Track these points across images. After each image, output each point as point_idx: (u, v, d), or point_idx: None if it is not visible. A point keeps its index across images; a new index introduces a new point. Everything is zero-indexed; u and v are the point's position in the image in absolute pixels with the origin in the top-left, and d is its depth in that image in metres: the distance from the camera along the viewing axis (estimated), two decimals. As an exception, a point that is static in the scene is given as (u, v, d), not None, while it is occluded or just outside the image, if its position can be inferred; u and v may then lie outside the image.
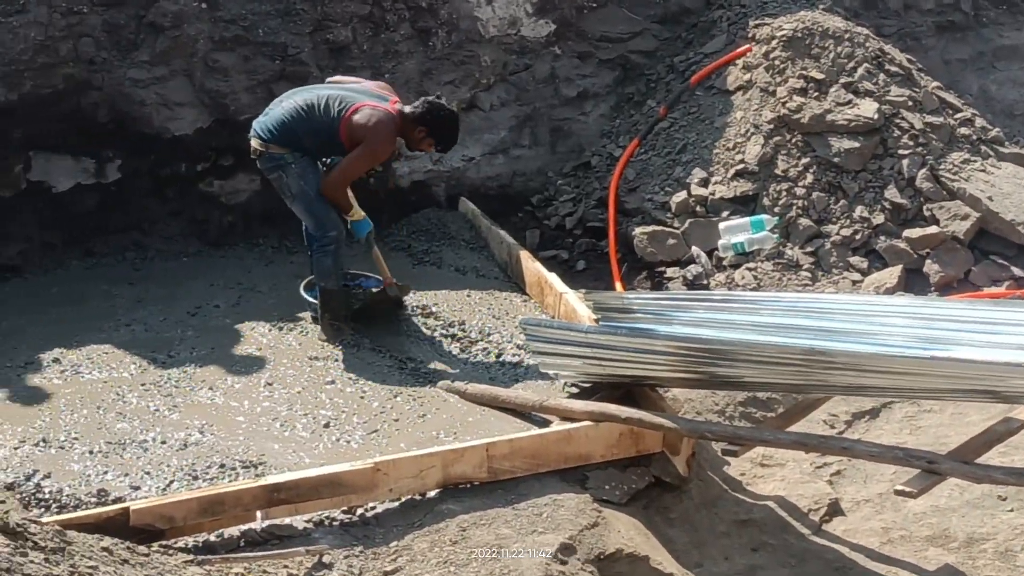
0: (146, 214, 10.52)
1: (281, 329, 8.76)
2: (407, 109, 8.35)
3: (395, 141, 8.48)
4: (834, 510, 7.20)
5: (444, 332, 8.69)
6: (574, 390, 7.69)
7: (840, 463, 7.49)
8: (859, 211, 9.45)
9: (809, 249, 9.36)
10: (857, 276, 9.15)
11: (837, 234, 9.38)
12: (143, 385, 7.92)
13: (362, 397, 7.74)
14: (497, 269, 9.85)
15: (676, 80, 10.97)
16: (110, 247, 10.37)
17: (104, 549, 5.38)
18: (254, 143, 8.48)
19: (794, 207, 9.52)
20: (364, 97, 8.38)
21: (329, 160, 8.65)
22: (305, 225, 8.79)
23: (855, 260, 9.26)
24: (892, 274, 9.03)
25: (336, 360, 8.22)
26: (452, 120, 8.45)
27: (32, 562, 4.63)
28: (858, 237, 9.36)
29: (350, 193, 8.56)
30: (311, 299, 8.76)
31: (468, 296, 9.22)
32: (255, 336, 8.66)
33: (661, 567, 6.52)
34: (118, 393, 7.81)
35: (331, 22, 10.65)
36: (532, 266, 9.27)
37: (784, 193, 9.58)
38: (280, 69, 10.44)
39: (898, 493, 6.20)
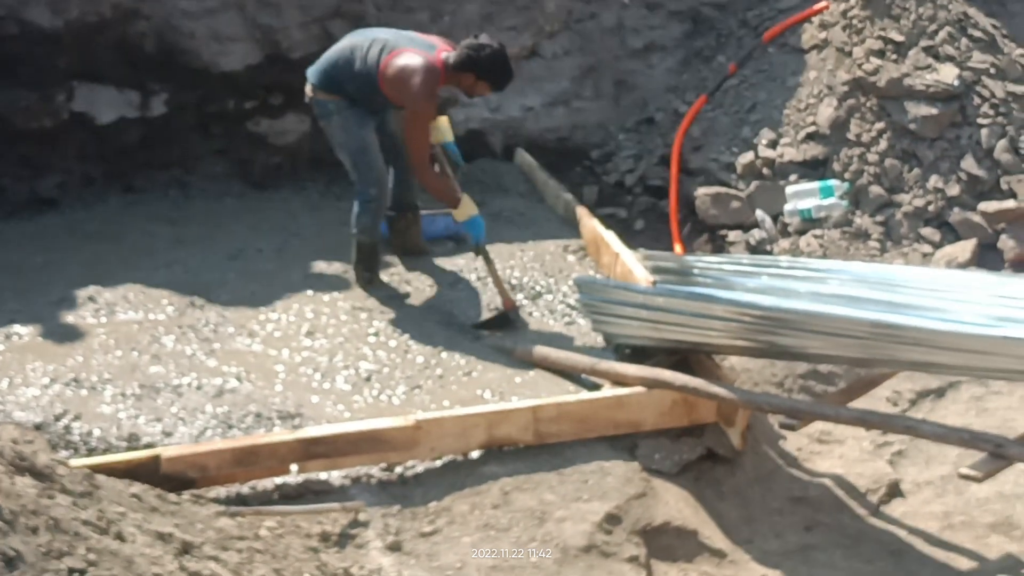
0: (190, 151, 10.51)
1: (325, 277, 8.64)
2: (450, 59, 8.05)
3: (435, 94, 8.14)
4: (893, 491, 7.02)
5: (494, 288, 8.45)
6: (627, 352, 7.49)
7: (902, 443, 7.31)
8: (933, 181, 9.18)
9: (879, 218, 9.11)
10: (928, 248, 8.92)
11: (909, 204, 9.12)
12: (180, 328, 7.83)
13: (406, 351, 7.59)
14: (552, 224, 9.62)
15: (748, 36, 10.75)
16: (151, 184, 10.40)
17: (133, 495, 5.36)
18: (307, 88, 8.42)
19: (865, 174, 9.27)
20: (407, 43, 8.14)
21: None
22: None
23: (927, 232, 9.02)
24: (965, 248, 8.78)
25: (381, 312, 8.08)
26: (497, 57, 8.04)
27: (59, 505, 4.57)
28: (931, 208, 9.11)
29: (456, 187, 8.34)
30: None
31: (520, 252, 9.04)
32: (297, 283, 8.52)
33: (710, 541, 6.43)
34: (153, 335, 7.72)
35: (390, -42, 10.49)
36: (589, 223, 9.11)
37: (856, 159, 9.32)
38: (335, 6, 10.33)
39: (962, 476, 6.15)
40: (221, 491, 6.08)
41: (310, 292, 8.36)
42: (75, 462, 5.56)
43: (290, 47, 10.27)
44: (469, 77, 8.04)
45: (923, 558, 6.50)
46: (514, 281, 8.52)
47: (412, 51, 8.01)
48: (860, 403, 6.91)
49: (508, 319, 8.05)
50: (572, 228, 9.36)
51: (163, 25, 10.04)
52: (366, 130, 8.32)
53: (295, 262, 8.86)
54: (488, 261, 8.18)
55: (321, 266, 8.76)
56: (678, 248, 9.35)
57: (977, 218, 9.01)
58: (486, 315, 8.07)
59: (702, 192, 9.60)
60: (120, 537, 4.61)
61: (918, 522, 6.76)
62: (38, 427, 6.49)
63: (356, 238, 8.42)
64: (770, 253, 9.06)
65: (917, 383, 7.71)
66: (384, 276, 8.52)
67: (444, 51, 8.12)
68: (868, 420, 6.48)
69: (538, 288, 8.49)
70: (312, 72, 8.37)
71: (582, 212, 9.32)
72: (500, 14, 10.31)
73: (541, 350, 7.50)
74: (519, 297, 8.28)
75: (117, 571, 4.27)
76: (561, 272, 8.69)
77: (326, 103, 8.29)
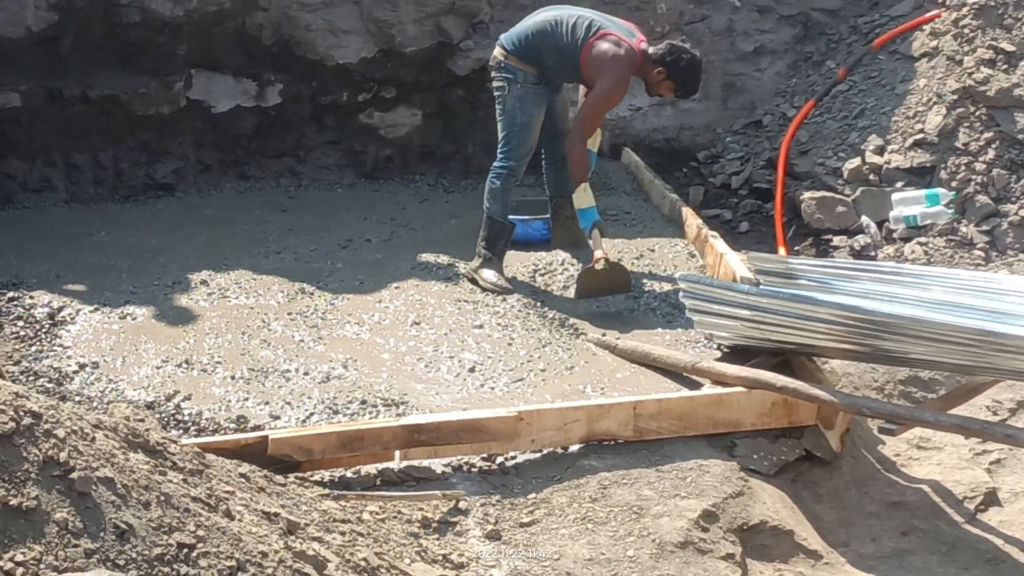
0: (303, 141, 10.68)
1: (432, 268, 8.72)
2: (650, 49, 8.30)
3: (629, 81, 8.39)
4: (990, 499, 6.92)
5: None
6: (727, 352, 7.51)
7: (1000, 452, 7.20)
8: (1040, 192, 9.07)
9: (985, 228, 8.99)
10: (1034, 259, 8.78)
11: (1016, 214, 8.99)
12: (289, 314, 7.93)
13: (510, 344, 7.61)
14: (657, 224, 9.64)
15: (858, 42, 10.69)
16: (264, 172, 10.59)
17: (242, 475, 5.38)
18: (496, 51, 8.56)
19: (972, 183, 9.16)
20: (613, 27, 8.36)
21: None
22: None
23: (1033, 243, 8.90)
24: (1070, 260, 8.65)
25: (486, 304, 8.12)
26: (693, 64, 8.33)
27: (170, 482, 4.60)
28: (1038, 219, 8.99)
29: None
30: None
31: (623, 250, 9.05)
32: (405, 273, 8.61)
33: (805, 543, 6.34)
34: (264, 320, 7.84)
35: (505, -43, 10.58)
36: (694, 224, 9.10)
37: (963, 167, 9.21)
38: (450, 3, 10.45)
39: (1060, 487, 5.97)
40: (325, 474, 6.13)
41: (417, 282, 8.43)
42: (185, 441, 5.61)
43: (403, 42, 10.37)
44: (660, 74, 8.27)
45: (1019, 567, 6.41)
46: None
47: (617, 35, 8.23)
48: (960, 411, 6.83)
49: (594, 271, 8.21)
50: (677, 228, 9.38)
51: (281, 17, 10.18)
52: (539, 110, 8.48)
53: (403, 253, 8.96)
54: (593, 238, 8.37)
55: (428, 257, 8.84)
56: (782, 251, 9.28)
57: (1083, 230, 8.91)
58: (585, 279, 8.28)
59: (808, 196, 9.55)
60: (228, 515, 4.64)
61: (1014, 531, 6.67)
62: (149, 406, 6.63)
63: (487, 211, 8.52)
64: (874, 259, 8.94)
65: (1018, 392, 7.58)
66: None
67: (642, 40, 8.35)
68: (967, 427, 6.37)
69: (641, 285, 8.49)
70: (509, 39, 8.48)
71: (687, 212, 9.32)
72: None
73: (642, 347, 7.49)
74: (621, 296, 8.31)
75: (225, 548, 4.31)
76: (664, 271, 8.70)
77: (517, 70, 8.41)
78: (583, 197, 8.42)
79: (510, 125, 8.46)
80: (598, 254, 8.24)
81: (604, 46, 8.16)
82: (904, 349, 6.55)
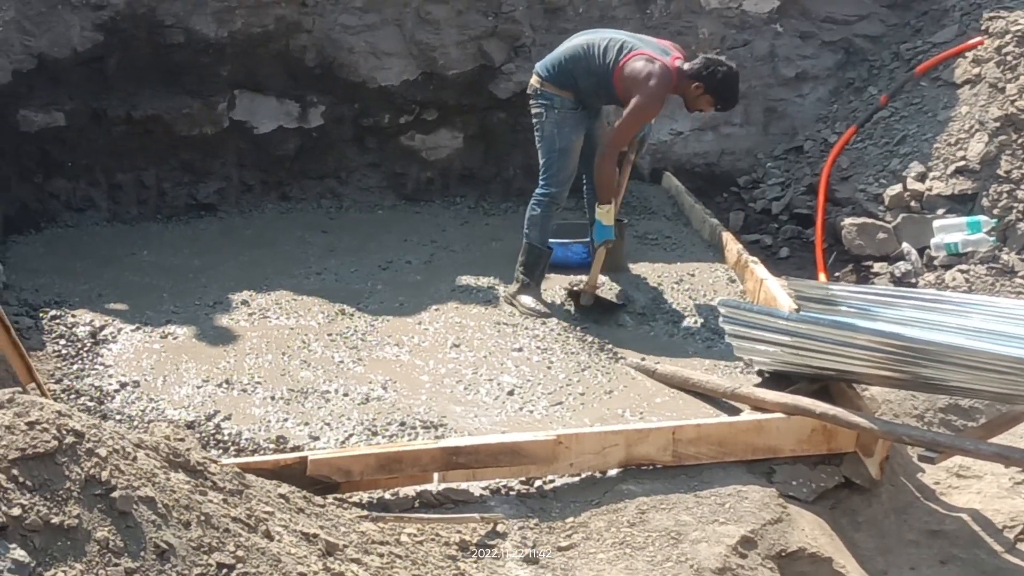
0: (344, 163, 10.71)
1: (472, 291, 8.74)
2: (685, 65, 8.26)
3: (664, 99, 8.35)
4: (1031, 529, 6.87)
5: (637, 308, 8.54)
6: (767, 377, 7.51)
7: (1041, 481, 7.15)
8: (1083, 221, 9.03)
9: (1027, 256, 8.96)
10: (1075, 288, 8.73)
11: (1058, 242, 8.96)
12: (329, 335, 7.95)
13: (549, 367, 7.62)
14: (697, 248, 9.64)
15: (901, 68, 10.66)
16: (306, 193, 10.61)
17: (281, 496, 5.41)
18: (533, 79, 8.59)
19: (1014, 210, 9.12)
20: (646, 47, 8.33)
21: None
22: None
23: (1074, 271, 8.84)
24: (1113, 289, 8.60)
25: (525, 327, 8.12)
26: (730, 76, 8.27)
27: (211, 501, 4.65)
28: (1080, 248, 8.94)
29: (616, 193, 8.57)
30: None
31: (663, 275, 9.05)
32: (445, 295, 8.62)
33: (844, 571, 6.34)
34: (304, 341, 7.86)
35: (549, -19, 10.60)
36: (734, 249, 9.12)
37: (1005, 195, 9.17)
38: (492, 26, 10.42)
39: (1100, 516, 5.93)
40: (364, 496, 6.14)
41: (457, 305, 8.45)
42: (225, 461, 5.65)
43: (446, 64, 10.37)
44: (698, 88, 8.23)
45: (1058, 598, 6.37)
46: (656, 302, 8.59)
47: (650, 54, 8.20)
48: (1000, 439, 6.77)
49: (577, 295, 8.39)
50: (717, 253, 9.39)
51: (324, 39, 10.20)
52: (576, 134, 8.48)
53: (443, 275, 8.98)
54: (597, 258, 8.41)
55: (468, 280, 8.85)
56: (822, 277, 9.26)
57: (1125, 259, 8.85)
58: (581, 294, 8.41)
59: (848, 222, 9.54)
60: (268, 535, 4.66)
61: (1054, 561, 6.62)
62: (190, 426, 6.68)
63: (526, 237, 8.54)
64: (915, 286, 8.92)
65: (1059, 421, 7.57)
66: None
67: (677, 58, 8.32)
68: (1008, 456, 6.35)
69: (680, 310, 8.50)
70: (544, 66, 8.51)
71: (727, 237, 9.33)
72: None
73: (681, 372, 7.50)
74: (661, 320, 8.36)
75: (264, 568, 4.33)
76: (704, 296, 8.69)
77: (553, 96, 8.43)
78: (605, 215, 8.44)
79: (549, 151, 8.48)
80: (589, 284, 8.39)
81: (637, 64, 8.16)
82: (944, 377, 6.52)
